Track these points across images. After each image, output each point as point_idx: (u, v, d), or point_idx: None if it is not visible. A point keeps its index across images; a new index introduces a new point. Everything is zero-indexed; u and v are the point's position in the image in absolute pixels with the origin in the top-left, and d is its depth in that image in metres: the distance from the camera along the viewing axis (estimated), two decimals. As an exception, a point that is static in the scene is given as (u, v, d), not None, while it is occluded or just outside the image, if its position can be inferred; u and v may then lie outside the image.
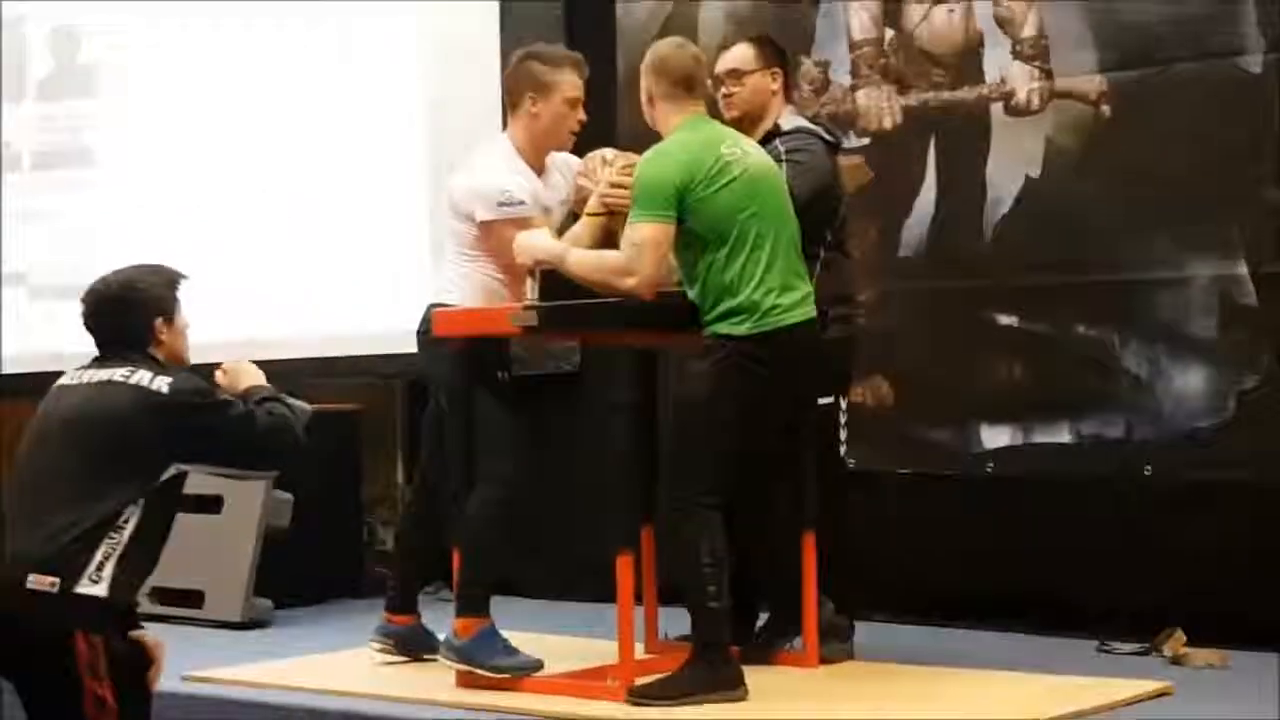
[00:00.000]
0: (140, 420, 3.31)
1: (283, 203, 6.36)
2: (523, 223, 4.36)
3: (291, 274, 6.32)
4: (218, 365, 3.61)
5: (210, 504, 5.60)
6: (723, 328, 4.14)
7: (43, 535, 3.23)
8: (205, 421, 3.36)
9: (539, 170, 4.53)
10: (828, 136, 4.70)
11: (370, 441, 6.56)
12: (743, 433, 4.14)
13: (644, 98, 4.33)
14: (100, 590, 3.21)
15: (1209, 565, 4.74)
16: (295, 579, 5.90)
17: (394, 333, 6.08)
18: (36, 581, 3.18)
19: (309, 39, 6.37)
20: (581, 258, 4.21)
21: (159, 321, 3.48)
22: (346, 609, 5.99)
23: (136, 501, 3.29)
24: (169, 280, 3.54)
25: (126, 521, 3.27)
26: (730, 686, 4.08)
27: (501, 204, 4.36)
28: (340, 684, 4.46)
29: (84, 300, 3.50)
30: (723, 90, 4.66)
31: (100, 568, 3.23)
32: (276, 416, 3.45)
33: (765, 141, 4.54)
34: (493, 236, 4.39)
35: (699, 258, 4.17)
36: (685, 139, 4.22)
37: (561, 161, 4.62)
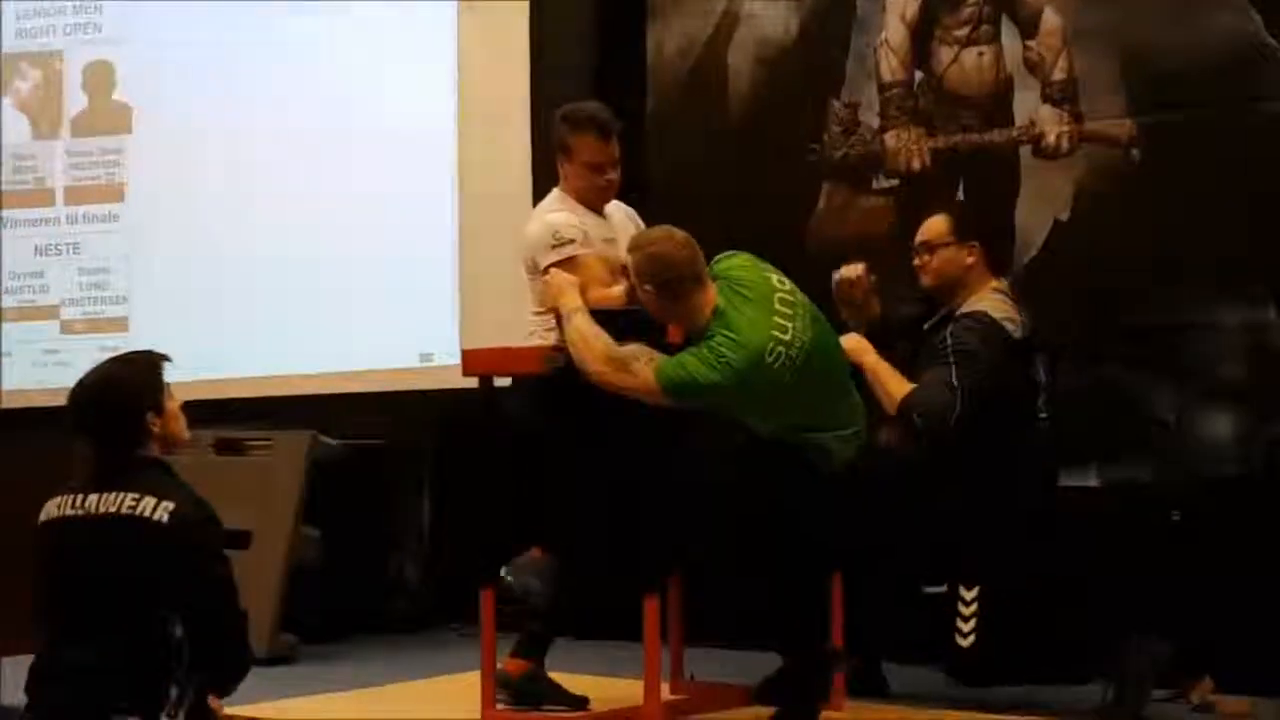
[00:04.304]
0: (148, 555, 3.26)
1: (313, 239, 6.39)
2: (579, 262, 4.31)
3: (321, 309, 6.35)
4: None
5: (238, 539, 5.60)
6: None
7: (110, 676, 3.23)
8: (192, 564, 3.28)
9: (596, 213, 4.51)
10: (1010, 328, 4.53)
11: (397, 477, 6.57)
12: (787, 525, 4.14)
13: (661, 302, 4.06)
14: None
15: (1237, 612, 4.71)
16: (321, 614, 5.91)
17: (423, 368, 6.14)
18: None
19: (344, 81, 6.41)
20: (578, 323, 4.10)
21: (149, 416, 3.38)
22: (371, 645, 5.99)
23: (177, 617, 3.27)
24: (150, 368, 3.43)
25: (179, 639, 3.27)
26: None
27: (553, 245, 4.35)
28: (365, 721, 4.46)
29: (68, 403, 3.40)
30: (915, 261, 4.66)
31: (180, 701, 3.24)
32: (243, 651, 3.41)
33: (943, 324, 4.56)
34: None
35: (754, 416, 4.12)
36: (738, 340, 3.97)
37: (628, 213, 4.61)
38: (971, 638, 4.41)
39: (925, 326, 4.65)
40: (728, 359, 3.95)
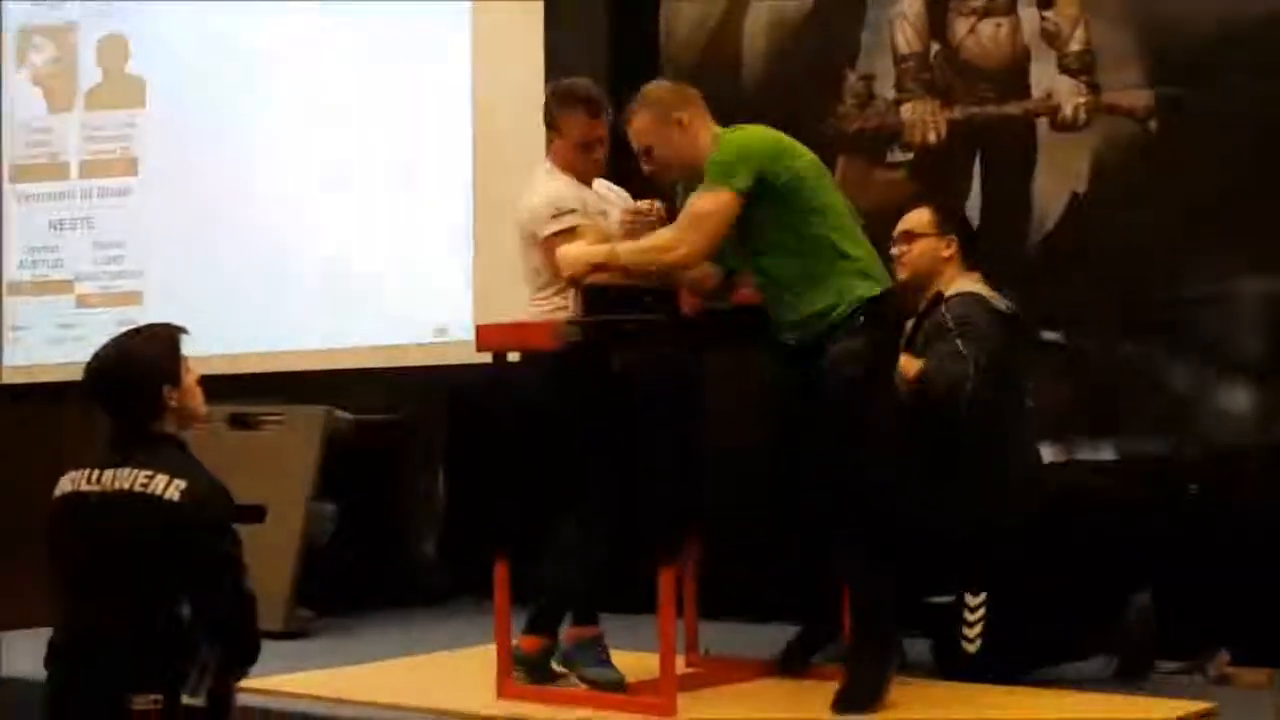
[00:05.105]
0: (160, 533, 3.25)
1: (328, 213, 6.39)
2: (576, 233, 4.31)
3: (336, 285, 6.35)
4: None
5: (252, 514, 5.61)
6: (853, 293, 4.12)
7: (127, 654, 3.23)
8: (202, 543, 3.26)
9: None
10: (1001, 306, 4.60)
11: (413, 453, 6.57)
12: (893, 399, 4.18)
13: (691, 132, 4.20)
14: (200, 701, 3.24)
15: (1254, 585, 4.70)
16: (337, 589, 5.92)
17: (437, 343, 6.14)
18: (139, 702, 3.18)
19: (358, 50, 6.40)
20: (630, 245, 4.18)
21: (166, 389, 3.37)
22: (387, 619, 6.00)
23: (184, 597, 3.27)
24: (167, 341, 3.42)
25: (187, 618, 3.27)
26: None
27: (554, 216, 4.34)
28: (380, 695, 4.46)
29: (85, 375, 3.40)
30: (893, 250, 4.67)
31: (200, 679, 3.24)
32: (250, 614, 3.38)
33: (930, 310, 4.57)
34: (554, 254, 4.31)
35: (802, 232, 4.14)
36: (754, 126, 4.21)
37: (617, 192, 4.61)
38: (978, 642, 4.43)
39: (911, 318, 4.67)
40: (753, 128, 4.16)
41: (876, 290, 4.15)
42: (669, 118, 4.21)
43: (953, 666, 4.48)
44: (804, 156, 4.19)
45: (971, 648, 4.45)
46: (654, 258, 4.12)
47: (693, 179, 4.20)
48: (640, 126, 4.23)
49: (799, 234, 4.14)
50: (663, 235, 4.16)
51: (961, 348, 4.42)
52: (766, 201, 4.10)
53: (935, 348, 4.48)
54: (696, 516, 4.50)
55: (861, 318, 4.10)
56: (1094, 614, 4.54)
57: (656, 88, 4.33)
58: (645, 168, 4.31)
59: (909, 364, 4.46)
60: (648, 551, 4.12)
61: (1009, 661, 4.42)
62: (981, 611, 4.44)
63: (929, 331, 4.55)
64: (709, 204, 4.07)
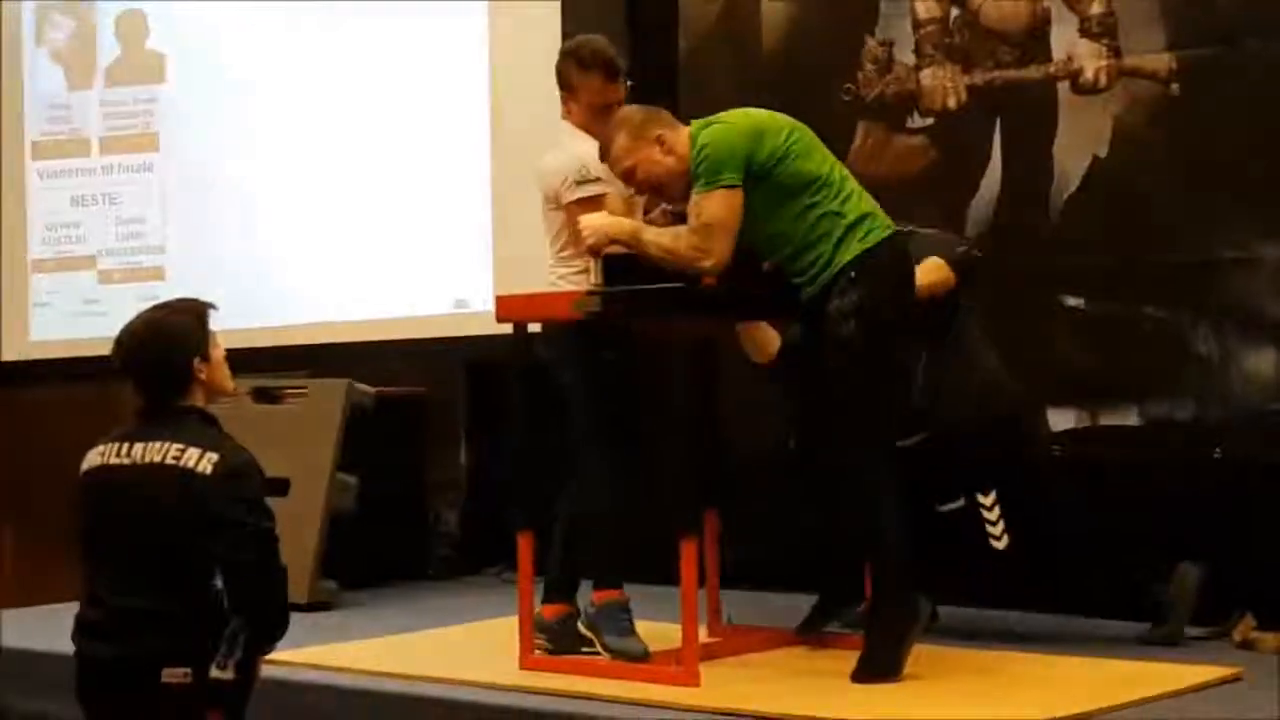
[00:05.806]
0: (192, 506, 3.26)
1: (348, 187, 6.39)
2: (600, 202, 4.29)
3: (355, 258, 6.35)
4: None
5: (275, 486, 5.62)
6: (848, 251, 4.12)
7: (157, 628, 3.25)
8: (235, 518, 3.25)
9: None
10: None
11: (435, 425, 6.58)
12: (897, 342, 4.20)
13: (650, 151, 4.16)
14: (229, 674, 3.25)
15: (1278, 549, 4.68)
16: (360, 561, 5.93)
17: (458, 316, 6.14)
18: (169, 675, 3.21)
19: (377, 21, 6.38)
20: (655, 239, 4.15)
21: (196, 361, 3.39)
22: (410, 591, 6.02)
23: (215, 570, 3.28)
24: (198, 315, 3.44)
25: (221, 590, 3.27)
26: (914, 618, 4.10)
27: (579, 181, 4.30)
28: (403, 667, 4.48)
29: (115, 349, 3.41)
30: None
31: (229, 653, 3.25)
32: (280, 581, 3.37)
33: None
34: (576, 220, 4.28)
35: (794, 208, 4.14)
36: (737, 113, 4.21)
37: None
38: (1005, 538, 4.47)
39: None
40: (735, 116, 4.18)
41: (873, 241, 4.15)
42: (645, 136, 4.16)
43: (988, 567, 4.51)
44: (784, 130, 4.17)
45: (1000, 544, 4.49)
46: (680, 263, 4.09)
47: (682, 190, 4.17)
48: (618, 151, 4.19)
49: (792, 202, 4.14)
50: (684, 239, 4.10)
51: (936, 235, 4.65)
52: (755, 180, 4.11)
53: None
54: (715, 487, 4.50)
55: (853, 273, 4.10)
56: (1125, 577, 4.55)
57: (625, 110, 4.28)
58: (629, 190, 4.30)
59: (937, 265, 4.54)
60: (665, 522, 4.12)
61: (1040, 552, 4.46)
62: (998, 509, 4.47)
63: None
64: (716, 208, 4.06)
